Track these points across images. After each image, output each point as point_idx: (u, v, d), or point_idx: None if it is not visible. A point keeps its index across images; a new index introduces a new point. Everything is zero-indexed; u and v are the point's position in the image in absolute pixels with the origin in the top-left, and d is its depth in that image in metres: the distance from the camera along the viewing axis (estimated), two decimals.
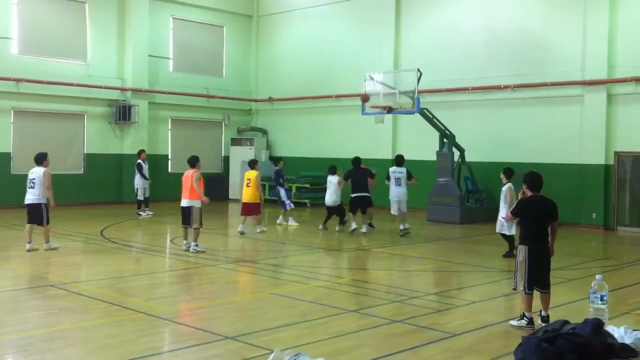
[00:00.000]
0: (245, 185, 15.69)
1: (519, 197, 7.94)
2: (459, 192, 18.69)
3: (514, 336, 6.95)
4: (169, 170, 24.39)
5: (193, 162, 13.16)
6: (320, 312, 8.04)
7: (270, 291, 9.38)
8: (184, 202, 12.78)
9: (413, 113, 18.01)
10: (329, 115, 24.00)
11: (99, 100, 22.43)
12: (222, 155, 26.09)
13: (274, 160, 20.41)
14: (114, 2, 22.96)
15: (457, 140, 19.05)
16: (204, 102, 25.18)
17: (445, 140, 18.99)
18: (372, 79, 18.53)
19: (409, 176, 15.94)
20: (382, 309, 8.30)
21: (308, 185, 23.13)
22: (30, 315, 8.06)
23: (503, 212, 12.13)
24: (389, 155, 21.90)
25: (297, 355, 5.67)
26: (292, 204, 17.63)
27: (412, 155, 19.93)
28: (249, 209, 15.57)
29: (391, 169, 16.21)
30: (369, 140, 22.28)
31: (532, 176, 7.61)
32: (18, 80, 20.30)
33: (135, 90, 23.02)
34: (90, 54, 22.48)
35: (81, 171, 22.09)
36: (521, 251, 7.47)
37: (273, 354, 5.72)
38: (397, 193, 15.81)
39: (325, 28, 24.25)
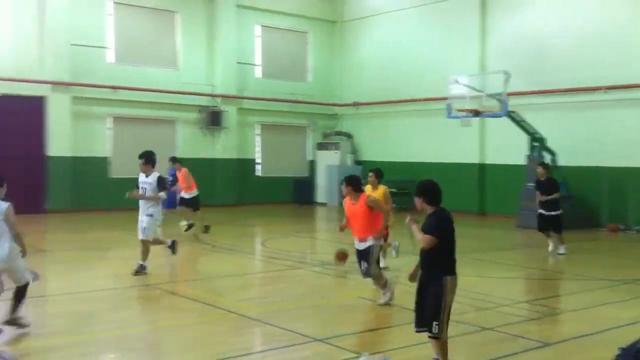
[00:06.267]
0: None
1: None
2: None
3: (611, 347, 6.72)
4: (258, 174, 24.98)
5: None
6: (408, 317, 8.01)
7: (358, 294, 9.44)
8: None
9: (500, 116, 17.67)
10: (414, 118, 23.85)
11: (190, 107, 23.22)
12: (307, 159, 26.40)
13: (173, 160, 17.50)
14: (204, 11, 23.73)
15: (548, 143, 18.52)
16: (290, 107, 25.59)
17: (535, 143, 18.50)
18: (457, 82, 18.32)
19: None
20: (471, 316, 8.19)
21: (394, 190, 22.98)
22: (128, 313, 8.46)
23: None
24: (475, 159, 21.55)
25: None
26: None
27: (500, 159, 19.55)
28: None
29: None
30: (454, 144, 21.98)
31: None
32: (115, 88, 21.29)
33: (224, 97, 23.70)
34: (181, 61, 23.33)
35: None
36: None
37: (361, 358, 5.78)
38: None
39: (409, 32, 24.12)
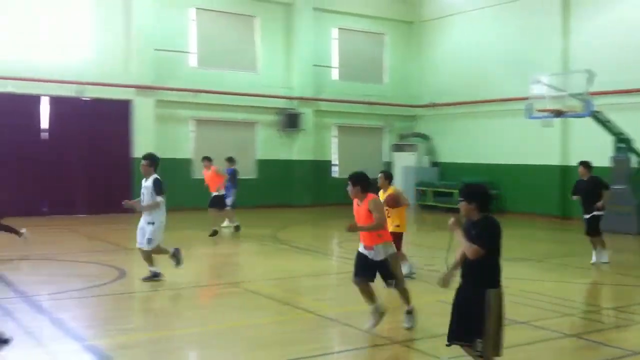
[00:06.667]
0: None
1: None
2: (636, 200, 17.42)
3: None
4: (334, 175, 25.15)
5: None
6: None
7: (438, 298, 9.34)
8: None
9: (584, 116, 17.09)
10: (493, 119, 23.39)
11: (268, 109, 23.61)
12: (383, 161, 26.35)
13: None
14: (281, 15, 24.09)
15: (635, 144, 17.78)
16: (366, 109, 25.60)
17: (620, 144, 17.80)
18: (539, 81, 17.85)
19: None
20: (554, 322, 7.98)
21: None
22: (208, 311, 8.70)
23: None
24: (556, 161, 20.94)
25: None
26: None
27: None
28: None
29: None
30: (535, 145, 21.39)
31: None
32: (197, 91, 21.90)
33: (301, 99, 23.98)
34: (260, 64, 23.76)
35: (254, 176, 23.35)
36: None
37: None
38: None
39: (487, 31, 23.68)
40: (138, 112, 20.97)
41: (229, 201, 16.65)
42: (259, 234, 16.15)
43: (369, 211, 7.19)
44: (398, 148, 25.96)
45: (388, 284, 7.39)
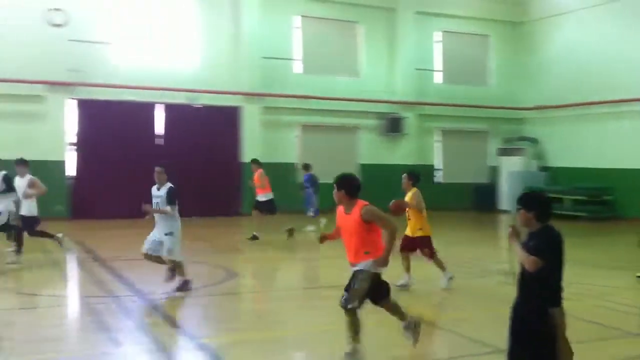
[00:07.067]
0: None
1: None
2: None
3: None
4: (438, 180, 24.88)
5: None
6: (598, 333, 7.63)
7: None
8: None
9: None
10: (606, 122, 22.36)
11: (371, 114, 23.74)
12: (489, 165, 25.80)
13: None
14: (384, 20, 24.17)
15: None
16: (470, 112, 25.17)
17: None
18: None
19: None
20: None
21: (585, 198, 21.71)
22: (312, 313, 8.86)
23: None
24: None
25: None
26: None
27: None
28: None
29: None
30: None
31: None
32: (302, 97, 22.36)
33: (404, 103, 23.93)
34: (363, 70, 23.94)
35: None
36: None
37: None
38: None
39: (598, 29, 22.67)
40: (246, 118, 21.70)
41: (311, 208, 16.88)
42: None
43: (363, 222, 6.12)
44: (504, 152, 25.34)
45: (344, 297, 6.29)
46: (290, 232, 15.46)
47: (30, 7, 18.94)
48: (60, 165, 19.60)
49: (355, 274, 6.25)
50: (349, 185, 6.25)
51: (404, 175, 9.90)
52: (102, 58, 20.10)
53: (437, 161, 25.31)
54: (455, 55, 25.54)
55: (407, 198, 9.76)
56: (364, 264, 6.19)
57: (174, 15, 21.28)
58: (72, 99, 19.99)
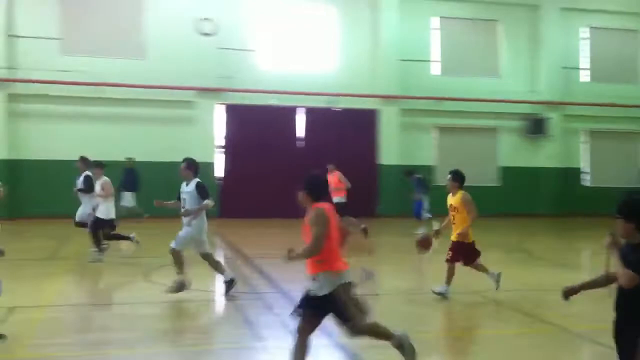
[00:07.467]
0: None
1: None
2: None
3: None
4: (586, 183, 23.75)
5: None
6: None
7: None
8: None
9: None
10: None
11: (511, 115, 23.08)
12: None
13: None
14: (526, 17, 23.44)
15: None
16: (620, 112, 23.75)
17: None
18: None
19: None
20: None
21: None
22: (448, 318, 8.85)
23: None
24: None
25: None
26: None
27: None
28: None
29: None
30: None
31: None
32: (439, 99, 22.18)
33: (547, 103, 23.05)
34: (503, 69, 23.33)
35: (497, 183, 22.98)
36: None
37: None
38: None
39: None
40: (384, 121, 21.89)
41: (423, 211, 16.68)
42: (501, 243, 15.89)
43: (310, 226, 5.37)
44: None
45: (345, 330, 5.50)
46: (365, 231, 15.32)
47: (182, 17, 20.28)
48: (209, 167, 20.72)
49: (328, 299, 5.34)
50: (312, 187, 5.57)
51: (449, 176, 9.17)
52: (248, 65, 21.12)
53: (584, 164, 24.13)
54: (603, 52, 24.23)
55: (452, 201, 9.16)
56: (320, 277, 5.40)
57: (315, 22, 21.92)
58: (221, 104, 21.17)
